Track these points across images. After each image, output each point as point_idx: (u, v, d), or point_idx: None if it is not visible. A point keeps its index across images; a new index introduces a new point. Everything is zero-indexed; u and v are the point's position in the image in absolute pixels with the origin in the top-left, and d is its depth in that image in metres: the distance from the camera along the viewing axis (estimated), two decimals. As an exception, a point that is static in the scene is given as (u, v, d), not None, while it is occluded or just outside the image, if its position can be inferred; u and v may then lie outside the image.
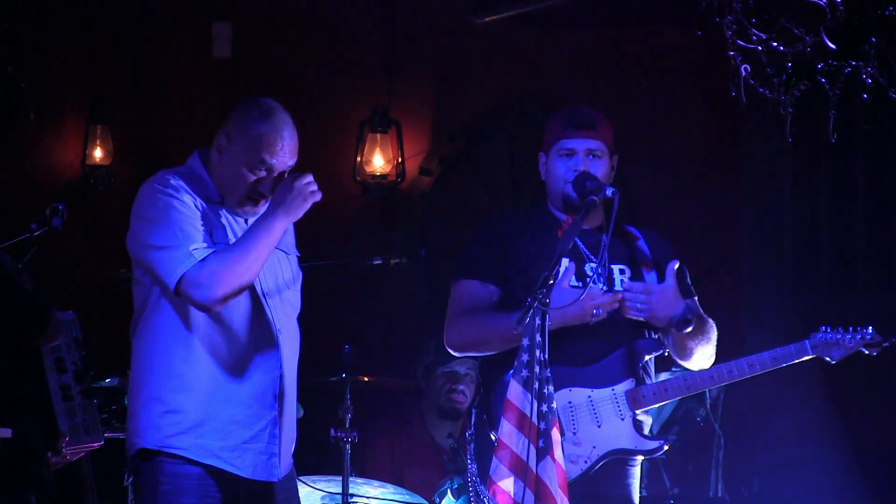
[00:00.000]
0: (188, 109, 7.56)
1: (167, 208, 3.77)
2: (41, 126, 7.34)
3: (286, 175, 3.86)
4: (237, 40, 7.55)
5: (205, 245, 3.76)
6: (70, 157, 7.51)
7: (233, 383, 3.81)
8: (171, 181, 3.82)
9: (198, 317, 3.80)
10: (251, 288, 3.83)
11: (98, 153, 7.48)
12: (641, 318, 4.12)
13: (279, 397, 3.87)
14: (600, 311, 4.06)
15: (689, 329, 4.13)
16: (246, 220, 3.92)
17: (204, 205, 3.84)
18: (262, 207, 3.88)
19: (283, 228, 3.81)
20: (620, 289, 4.17)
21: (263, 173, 3.85)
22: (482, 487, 4.09)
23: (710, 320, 4.23)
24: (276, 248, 3.86)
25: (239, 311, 3.82)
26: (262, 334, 3.84)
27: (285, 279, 3.94)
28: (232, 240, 3.85)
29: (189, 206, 3.80)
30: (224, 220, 3.88)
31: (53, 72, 7.43)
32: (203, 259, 3.72)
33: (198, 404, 3.79)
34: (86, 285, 7.03)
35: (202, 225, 3.80)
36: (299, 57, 7.56)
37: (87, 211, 7.35)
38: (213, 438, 3.79)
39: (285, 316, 3.92)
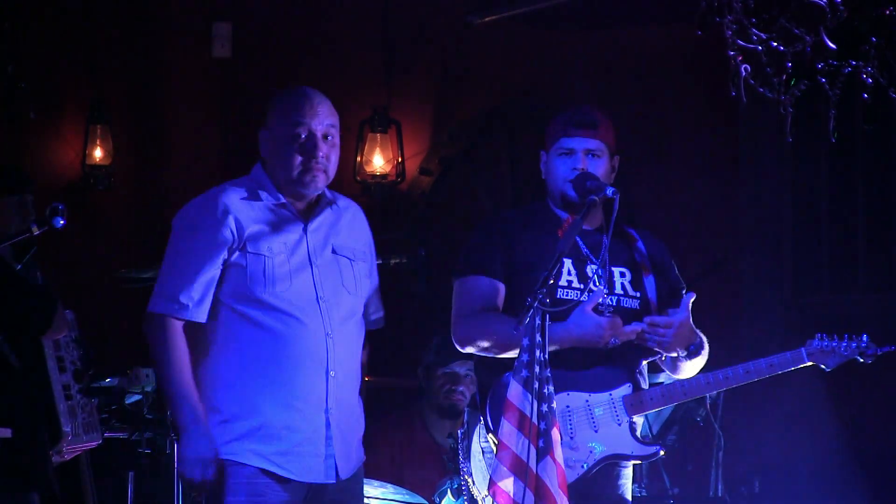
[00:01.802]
0: (188, 109, 7.56)
1: (177, 241, 3.91)
2: (41, 126, 7.34)
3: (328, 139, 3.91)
4: (237, 40, 7.56)
5: (195, 301, 3.85)
6: (70, 157, 7.51)
7: (283, 389, 3.84)
8: (201, 207, 3.91)
9: (244, 324, 3.86)
10: (306, 291, 3.88)
11: (98, 153, 7.48)
12: (656, 349, 4.16)
13: (334, 399, 3.88)
14: (616, 339, 4.09)
15: (696, 358, 4.19)
16: (305, 227, 3.93)
17: (256, 213, 3.90)
18: (322, 181, 3.92)
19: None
20: (621, 291, 4.21)
21: (304, 137, 3.89)
22: (476, 486, 4.11)
23: (704, 337, 4.25)
24: (338, 253, 3.96)
25: (288, 317, 3.86)
26: (311, 338, 3.87)
27: (345, 284, 3.96)
28: (282, 247, 3.89)
29: (209, 242, 3.86)
30: (280, 224, 3.92)
31: (53, 72, 7.43)
32: (176, 319, 3.86)
33: (251, 412, 3.84)
34: (86, 285, 7.03)
35: (209, 262, 3.87)
36: (299, 57, 7.56)
37: (87, 211, 7.35)
38: (267, 444, 3.83)
39: (340, 319, 3.93)
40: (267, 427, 3.83)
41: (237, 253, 3.87)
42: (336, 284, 3.94)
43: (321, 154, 3.90)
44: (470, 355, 4.26)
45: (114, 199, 7.53)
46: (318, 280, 3.91)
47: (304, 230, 3.94)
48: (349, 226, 4.05)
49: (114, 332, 7.05)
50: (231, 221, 3.88)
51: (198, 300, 3.86)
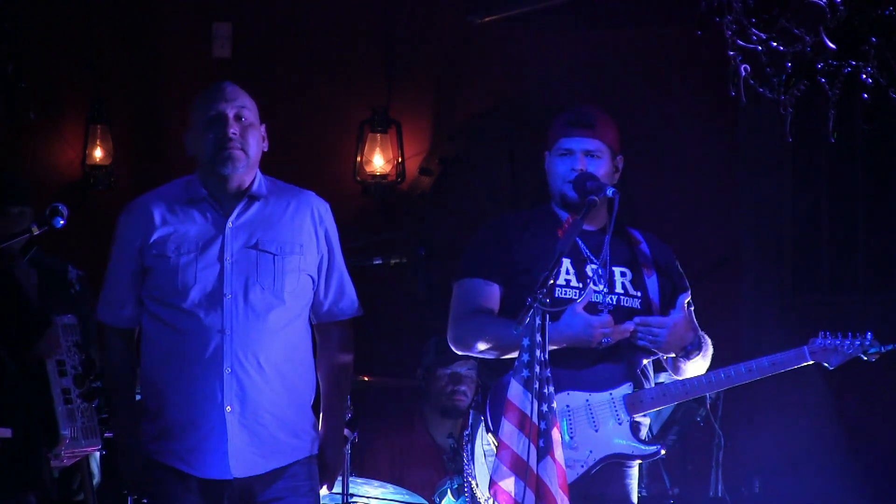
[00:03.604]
0: (188, 109, 7.55)
1: (112, 253, 4.03)
2: (41, 126, 7.34)
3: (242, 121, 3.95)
4: (237, 40, 7.56)
5: (116, 307, 4.01)
6: (70, 157, 7.51)
7: (185, 386, 3.90)
8: (122, 216, 4.02)
9: (158, 325, 3.94)
10: (210, 289, 3.91)
11: (98, 153, 7.48)
12: (650, 349, 4.14)
13: (232, 394, 3.89)
14: (609, 339, 4.07)
15: (695, 357, 4.16)
16: (226, 223, 3.93)
17: (172, 213, 3.96)
18: (240, 160, 3.93)
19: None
20: (621, 290, 4.19)
21: (213, 116, 3.94)
22: (479, 489, 4.10)
23: (707, 338, 4.23)
24: (259, 248, 3.95)
25: (188, 315, 3.90)
26: (206, 335, 3.89)
27: (260, 280, 3.94)
28: (192, 245, 3.92)
29: (124, 249, 3.98)
30: (197, 221, 3.95)
31: (53, 72, 7.43)
32: (109, 325, 4.02)
33: (163, 408, 3.93)
34: (86, 285, 7.02)
35: (122, 270, 3.99)
36: (299, 57, 7.56)
37: (87, 211, 7.35)
38: (177, 440, 3.91)
39: (252, 316, 3.92)
40: (176, 425, 3.90)
41: (147, 256, 3.94)
42: (249, 280, 3.93)
43: (232, 131, 3.92)
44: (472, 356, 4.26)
45: (114, 199, 7.52)
46: (228, 276, 3.92)
47: (224, 226, 3.95)
48: (289, 219, 4.02)
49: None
50: (141, 227, 3.96)
51: (118, 306, 4.00)
